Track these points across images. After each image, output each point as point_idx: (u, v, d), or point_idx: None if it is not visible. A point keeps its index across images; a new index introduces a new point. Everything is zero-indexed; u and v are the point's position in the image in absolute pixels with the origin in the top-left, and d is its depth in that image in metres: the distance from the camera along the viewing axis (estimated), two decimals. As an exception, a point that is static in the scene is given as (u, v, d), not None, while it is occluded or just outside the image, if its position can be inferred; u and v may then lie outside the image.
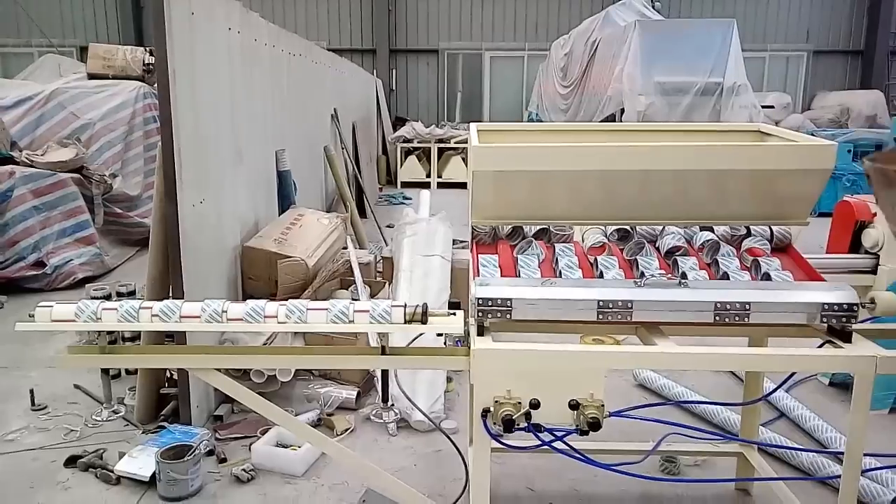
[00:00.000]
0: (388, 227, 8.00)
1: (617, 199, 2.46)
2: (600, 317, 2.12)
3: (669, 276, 2.30)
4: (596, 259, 2.40)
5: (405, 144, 12.86)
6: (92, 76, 7.57)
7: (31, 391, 3.67)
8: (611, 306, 2.11)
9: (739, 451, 2.87)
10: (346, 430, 3.37)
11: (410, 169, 12.78)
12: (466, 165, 13.97)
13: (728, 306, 2.09)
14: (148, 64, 7.56)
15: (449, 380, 3.79)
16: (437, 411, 3.43)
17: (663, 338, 2.15)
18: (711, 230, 2.55)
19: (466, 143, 14.08)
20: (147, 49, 7.78)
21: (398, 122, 14.52)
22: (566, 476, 2.95)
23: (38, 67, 12.40)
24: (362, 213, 8.25)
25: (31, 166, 6.05)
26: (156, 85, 7.56)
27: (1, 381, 4.00)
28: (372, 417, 3.48)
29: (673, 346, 2.08)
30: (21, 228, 5.80)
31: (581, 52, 9.35)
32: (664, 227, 2.57)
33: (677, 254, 2.43)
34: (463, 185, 13.78)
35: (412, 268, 4.42)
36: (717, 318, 2.10)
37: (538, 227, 2.66)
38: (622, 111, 7.73)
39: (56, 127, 6.88)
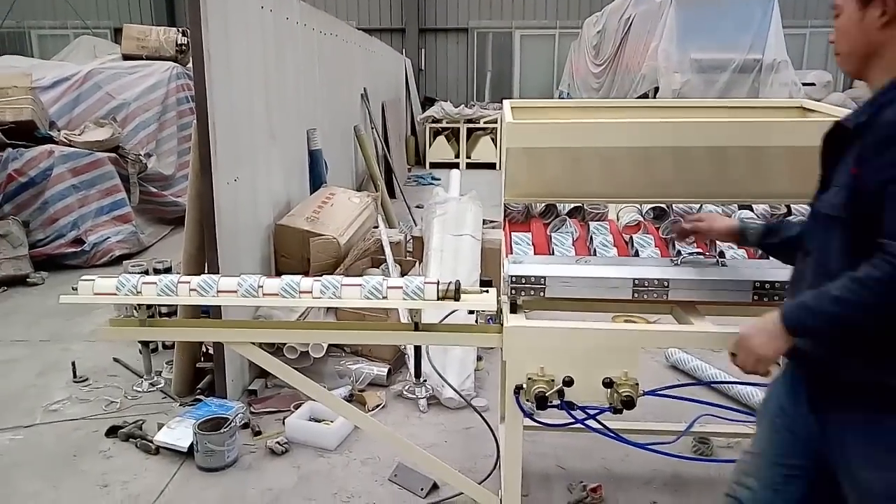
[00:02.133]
0: (416, 207, 8.01)
1: (653, 176, 2.41)
2: (636, 295, 2.10)
3: (707, 254, 2.26)
4: (631, 237, 2.37)
5: (434, 125, 12.80)
6: (126, 57, 7.67)
7: (73, 364, 3.79)
8: (647, 285, 2.09)
9: (774, 434, 2.83)
10: (378, 406, 3.41)
11: (439, 149, 12.74)
12: (496, 146, 13.89)
13: (767, 286, 2.05)
14: (181, 44, 7.63)
15: (479, 359, 3.80)
16: (468, 389, 3.44)
17: (700, 317, 2.11)
18: (750, 208, 2.50)
19: (496, 123, 13.93)
20: (180, 29, 7.84)
21: (427, 102, 14.46)
22: (597, 455, 2.95)
23: (73, 49, 12.61)
24: (391, 193, 8.27)
25: (70, 146, 6.18)
26: (189, 65, 7.64)
27: (44, 353, 4.13)
28: (405, 393, 3.51)
29: (709, 325, 2.05)
30: (60, 206, 5.94)
31: (614, 30, 9.15)
32: (701, 206, 2.52)
33: (715, 233, 2.38)
34: (492, 166, 13.73)
35: (442, 247, 4.42)
36: (756, 297, 2.07)
37: (572, 205, 2.63)
38: (656, 90, 7.57)
39: (93, 107, 7.00)
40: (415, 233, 5.09)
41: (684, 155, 2.31)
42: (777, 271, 2.07)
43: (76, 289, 2.19)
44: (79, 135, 6.41)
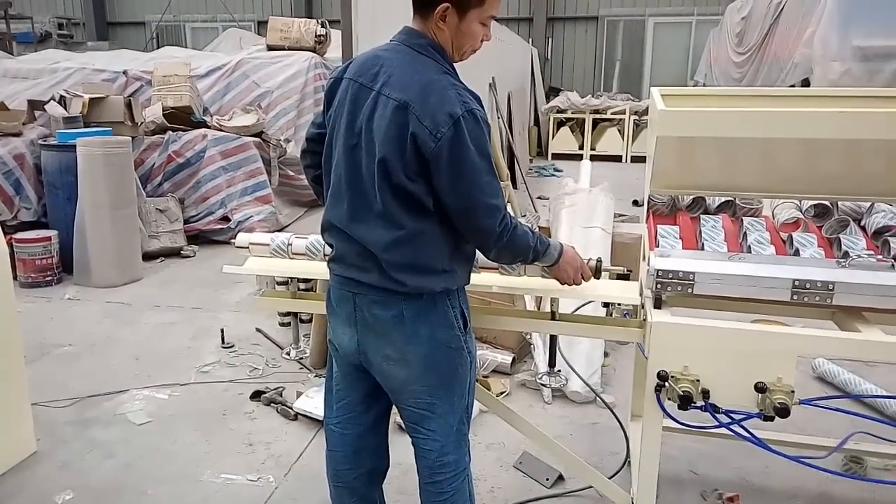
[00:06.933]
0: (538, 198, 7.95)
1: (817, 171, 2.25)
2: (794, 298, 1.96)
3: (879, 257, 2.07)
4: (790, 235, 2.21)
5: (558, 115, 12.62)
6: (270, 48, 8.15)
7: (222, 331, 4.11)
8: (808, 287, 1.94)
9: (944, 460, 2.56)
10: (502, 393, 3.43)
11: (563, 140, 12.55)
12: (623, 137, 13.42)
13: (953, 295, 1.85)
14: (319, 35, 8.00)
15: (606, 354, 3.72)
16: (594, 384, 3.38)
17: (868, 325, 1.95)
18: (931, 210, 2.26)
19: (624, 114, 13.42)
20: (319, 21, 8.23)
21: (551, 93, 14.26)
22: (732, 463, 2.80)
23: (222, 40, 13.59)
24: (513, 184, 8.24)
25: (220, 130, 6.68)
26: (326, 55, 7.93)
27: (196, 319, 4.51)
28: (536, 380, 3.45)
29: (881, 334, 1.88)
30: (211, 186, 6.44)
31: (762, 15, 8.53)
32: (872, 204, 2.31)
33: (888, 234, 2.17)
34: (617, 159, 13.26)
35: (571, 239, 4.35)
36: (939, 307, 1.87)
37: (722, 199, 2.51)
38: (805, 81, 6.99)
39: (240, 94, 7.52)
40: (541, 223, 5.05)
41: (856, 148, 2.12)
42: (966, 280, 1.86)
43: (238, 245, 2.37)
44: (228, 120, 6.91)
